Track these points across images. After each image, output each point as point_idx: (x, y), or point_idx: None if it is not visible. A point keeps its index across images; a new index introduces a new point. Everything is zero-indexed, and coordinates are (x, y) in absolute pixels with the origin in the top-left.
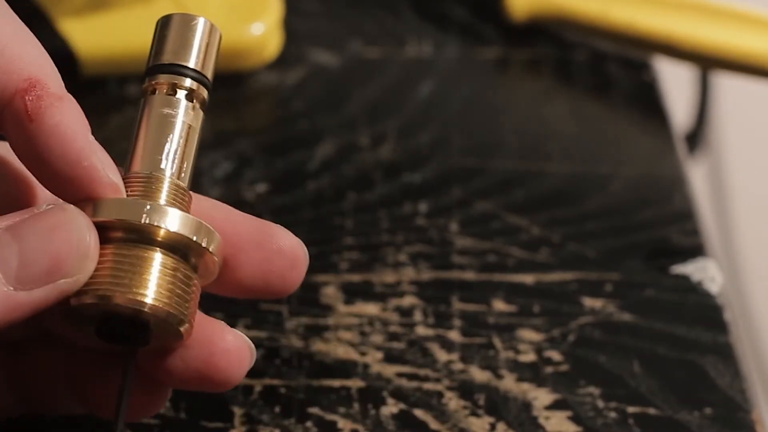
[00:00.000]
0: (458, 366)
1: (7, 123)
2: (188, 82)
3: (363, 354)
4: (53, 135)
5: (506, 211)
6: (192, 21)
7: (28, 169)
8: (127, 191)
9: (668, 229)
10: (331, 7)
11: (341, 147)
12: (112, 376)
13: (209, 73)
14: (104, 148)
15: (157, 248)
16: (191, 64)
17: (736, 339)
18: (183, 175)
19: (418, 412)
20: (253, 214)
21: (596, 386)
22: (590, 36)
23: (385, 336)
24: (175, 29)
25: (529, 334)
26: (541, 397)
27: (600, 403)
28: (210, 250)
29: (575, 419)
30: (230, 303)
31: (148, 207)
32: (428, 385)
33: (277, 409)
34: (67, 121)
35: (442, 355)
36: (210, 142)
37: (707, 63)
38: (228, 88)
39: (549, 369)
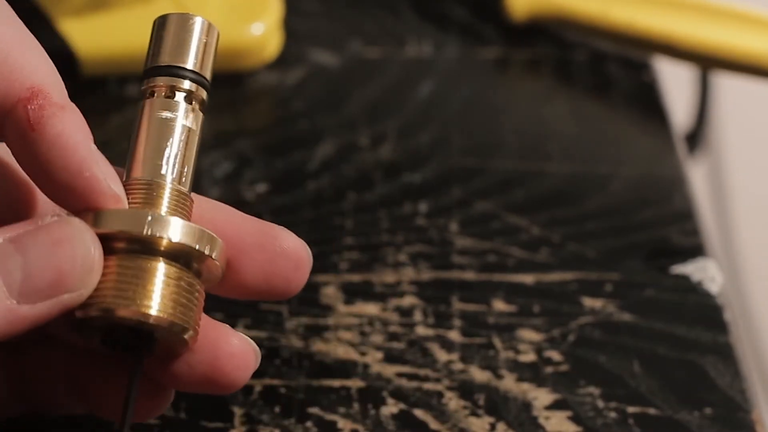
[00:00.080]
0: (458, 366)
1: (8, 132)
2: (187, 84)
3: (363, 354)
4: (55, 145)
5: (506, 211)
6: (189, 21)
7: (30, 177)
8: (128, 198)
9: (668, 229)
10: (331, 7)
11: (341, 147)
12: (113, 375)
13: (208, 74)
14: (104, 148)
15: (160, 258)
16: (189, 65)
17: (736, 339)
18: (184, 179)
19: (418, 412)
20: (253, 214)
21: (596, 386)
22: (590, 36)
23: (385, 336)
24: (172, 30)
25: (529, 334)
26: (541, 397)
27: (600, 403)
28: (213, 257)
29: (575, 419)
30: (230, 303)
31: (150, 218)
32: (428, 385)
33: (277, 409)
34: (69, 131)
35: (442, 355)
36: (210, 143)
37: (707, 63)
38: (228, 88)
39: (549, 369)
